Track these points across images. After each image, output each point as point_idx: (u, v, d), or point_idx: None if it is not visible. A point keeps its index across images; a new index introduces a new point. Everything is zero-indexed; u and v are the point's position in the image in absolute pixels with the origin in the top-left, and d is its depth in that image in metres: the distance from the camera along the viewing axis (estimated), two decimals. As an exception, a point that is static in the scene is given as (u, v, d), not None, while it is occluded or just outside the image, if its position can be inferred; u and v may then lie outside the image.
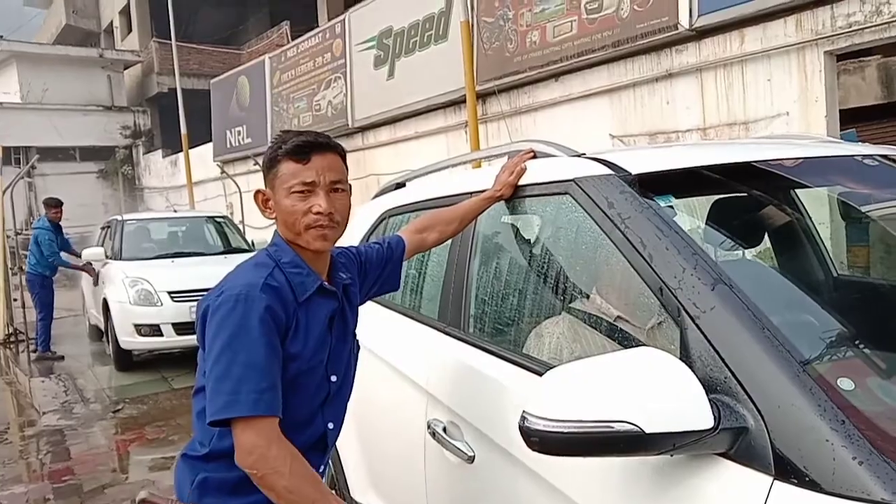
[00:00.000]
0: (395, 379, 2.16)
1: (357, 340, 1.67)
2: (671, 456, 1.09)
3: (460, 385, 1.81)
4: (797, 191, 2.02)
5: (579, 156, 1.79)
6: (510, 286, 1.97)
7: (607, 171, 1.58)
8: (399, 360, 2.15)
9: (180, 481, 1.51)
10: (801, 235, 2.21)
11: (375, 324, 2.44)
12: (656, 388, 1.08)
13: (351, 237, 2.57)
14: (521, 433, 1.12)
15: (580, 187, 1.58)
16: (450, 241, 2.06)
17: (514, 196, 1.86)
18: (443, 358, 1.91)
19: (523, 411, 1.12)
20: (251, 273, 1.44)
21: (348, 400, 1.63)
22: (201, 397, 1.43)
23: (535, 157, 1.91)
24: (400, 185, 2.85)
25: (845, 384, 1.08)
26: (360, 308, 1.73)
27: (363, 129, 11.19)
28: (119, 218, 8.71)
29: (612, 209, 1.47)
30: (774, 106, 5.89)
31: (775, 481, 0.99)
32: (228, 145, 15.21)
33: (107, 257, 7.95)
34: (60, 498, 4.12)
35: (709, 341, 1.16)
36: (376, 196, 2.98)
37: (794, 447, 0.99)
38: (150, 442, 5.08)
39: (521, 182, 1.84)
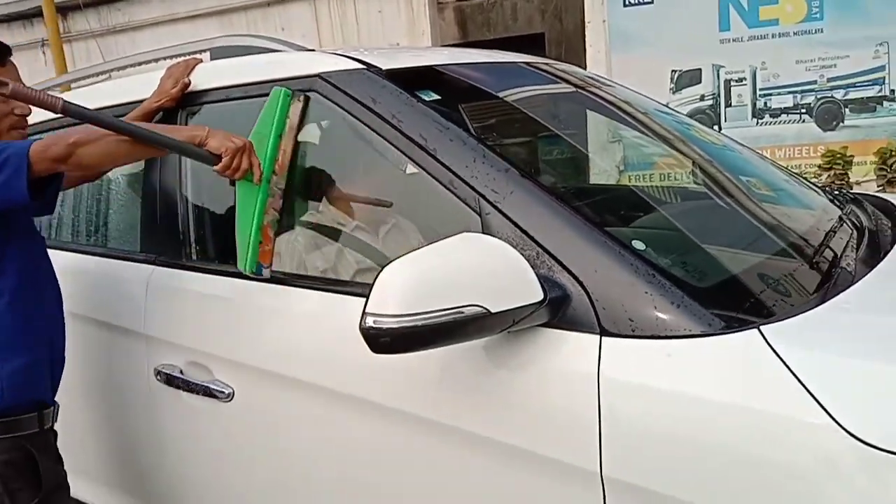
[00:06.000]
0: (88, 330, 1.76)
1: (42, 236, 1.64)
2: (508, 333, 1.12)
3: (198, 319, 1.57)
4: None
5: (310, 51, 1.65)
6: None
7: (358, 65, 1.48)
8: (94, 306, 1.76)
9: None
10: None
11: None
12: (490, 269, 1.08)
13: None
14: (366, 336, 1.02)
15: (330, 83, 1.46)
16: (143, 165, 1.73)
17: (225, 100, 1.63)
18: (164, 293, 1.62)
19: (365, 312, 1.02)
20: None
21: (61, 303, 1.61)
22: None
23: (199, 63, 1.74)
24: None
25: (639, 245, 1.23)
26: None
27: None
28: None
29: (378, 105, 1.39)
30: (386, 37, 6.25)
31: (603, 337, 1.09)
32: None
33: None
34: None
35: (514, 223, 1.20)
36: None
37: (617, 304, 1.10)
38: None
39: (240, 81, 1.61)
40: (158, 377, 1.58)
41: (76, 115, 1.32)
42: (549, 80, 1.93)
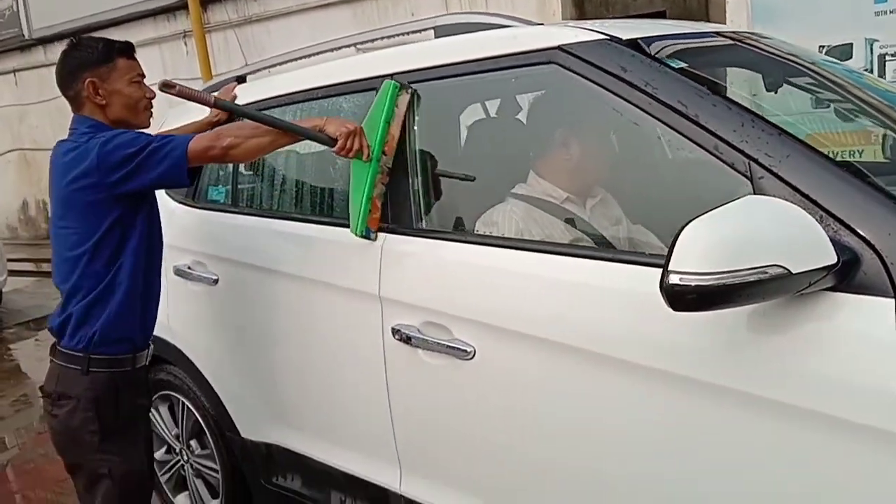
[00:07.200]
0: (317, 294, 1.89)
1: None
2: (798, 295, 1.12)
3: (434, 282, 1.65)
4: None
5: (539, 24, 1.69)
6: (459, 175, 1.82)
7: (600, 36, 1.51)
8: (323, 272, 1.88)
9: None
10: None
11: (261, 239, 2.11)
12: (784, 231, 1.09)
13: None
14: (670, 293, 1.06)
15: (573, 54, 1.49)
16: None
17: (465, 74, 1.69)
18: (398, 258, 1.71)
19: (669, 270, 1.06)
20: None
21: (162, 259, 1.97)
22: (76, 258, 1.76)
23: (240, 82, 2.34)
24: (241, 80, 2.45)
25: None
26: (237, 225, 2.23)
27: (44, 41, 9.39)
28: None
29: (629, 73, 1.41)
30: (517, 19, 6.25)
31: (899, 301, 1.08)
32: None
33: None
34: None
35: (793, 187, 1.20)
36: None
37: (916, 268, 1.08)
38: None
39: (476, 56, 1.65)
40: (397, 336, 1.67)
41: (225, 108, 1.83)
42: (761, 49, 1.89)
